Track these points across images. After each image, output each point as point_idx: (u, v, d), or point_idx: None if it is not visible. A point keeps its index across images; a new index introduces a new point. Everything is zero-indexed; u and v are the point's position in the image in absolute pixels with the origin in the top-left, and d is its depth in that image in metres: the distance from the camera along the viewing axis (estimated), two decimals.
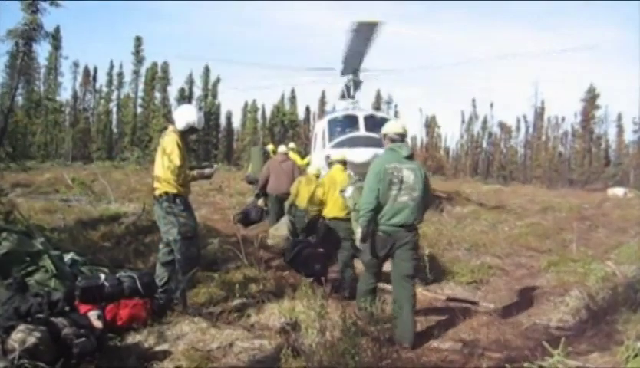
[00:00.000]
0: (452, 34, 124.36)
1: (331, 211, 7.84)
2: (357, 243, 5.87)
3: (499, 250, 10.55)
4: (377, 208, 5.58)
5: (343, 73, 19.17)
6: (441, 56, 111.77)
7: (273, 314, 5.61)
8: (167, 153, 5.68)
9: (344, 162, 8.41)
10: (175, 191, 5.75)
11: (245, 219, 11.49)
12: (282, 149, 12.20)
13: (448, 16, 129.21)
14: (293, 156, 12.46)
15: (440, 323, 6.21)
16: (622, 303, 5.92)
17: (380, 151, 15.44)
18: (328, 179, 8.21)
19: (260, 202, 11.48)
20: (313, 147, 19.25)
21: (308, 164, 14.86)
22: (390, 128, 6.02)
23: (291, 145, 15.38)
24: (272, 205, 11.12)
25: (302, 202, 8.83)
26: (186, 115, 6.04)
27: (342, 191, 7.20)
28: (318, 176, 9.39)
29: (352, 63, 18.29)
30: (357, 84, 19.20)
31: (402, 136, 5.95)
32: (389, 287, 7.42)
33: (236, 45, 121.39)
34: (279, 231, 9.73)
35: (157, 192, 5.80)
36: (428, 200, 5.98)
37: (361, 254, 6.23)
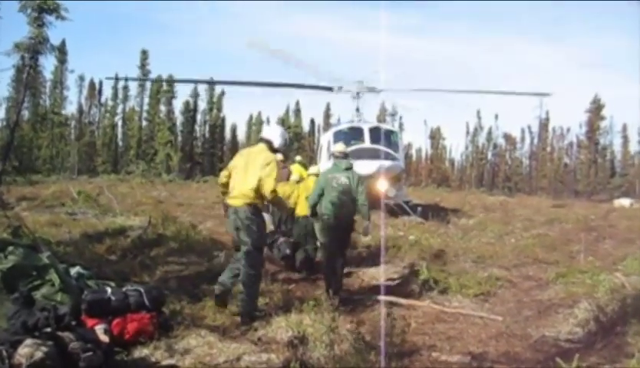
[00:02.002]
0: (452, 45, 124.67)
1: (301, 210, 9.79)
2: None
3: (506, 261, 10.48)
4: (319, 201, 7.82)
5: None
6: (442, 67, 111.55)
7: (281, 328, 5.56)
8: (268, 169, 6.30)
9: (317, 175, 10.00)
10: (258, 203, 6.41)
11: None
12: (277, 157, 12.53)
13: (447, 27, 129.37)
14: (298, 169, 12.51)
15: (448, 336, 6.17)
16: (632, 314, 5.86)
17: (385, 163, 15.51)
18: (303, 185, 10.26)
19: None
20: (319, 159, 19.30)
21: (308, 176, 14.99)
22: (336, 148, 8.41)
23: (298, 158, 15.43)
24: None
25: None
26: (283, 135, 6.90)
27: (307, 197, 8.97)
28: (298, 182, 10.90)
29: None
30: (359, 96, 19.30)
31: (344, 154, 8.29)
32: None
33: (240, 56, 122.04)
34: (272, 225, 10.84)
35: (240, 202, 6.31)
36: (362, 197, 7.75)
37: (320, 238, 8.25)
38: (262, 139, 6.77)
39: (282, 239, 9.97)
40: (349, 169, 7.96)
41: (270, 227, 10.55)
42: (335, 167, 8.08)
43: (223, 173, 6.76)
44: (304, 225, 9.64)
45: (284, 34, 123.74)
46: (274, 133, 6.82)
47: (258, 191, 6.27)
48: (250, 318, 6.03)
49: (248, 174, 6.35)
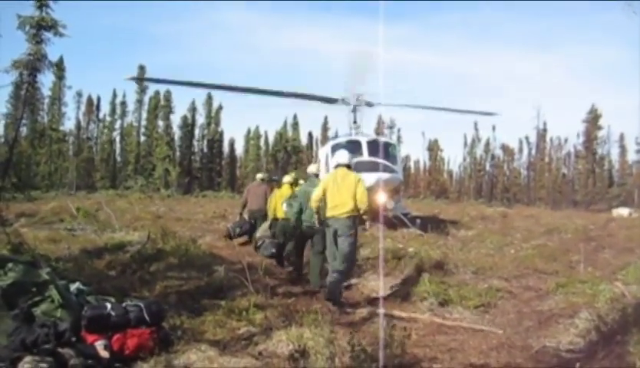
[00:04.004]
0: (449, 56, 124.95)
1: (278, 213, 11.63)
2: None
3: (506, 272, 10.45)
4: (301, 211, 9.61)
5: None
6: (439, 79, 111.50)
7: (281, 341, 5.55)
8: (361, 185, 8.09)
9: (291, 183, 12.18)
10: (355, 214, 8.04)
11: (239, 232, 14.88)
12: (259, 176, 15.73)
13: (444, 39, 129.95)
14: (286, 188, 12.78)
15: (449, 347, 6.15)
16: (633, 324, 5.85)
17: (383, 175, 15.49)
18: (279, 193, 12.10)
19: (245, 215, 15.00)
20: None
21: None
22: (310, 170, 10.96)
23: (286, 179, 15.77)
24: (248, 218, 14.61)
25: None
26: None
27: (282, 203, 11.26)
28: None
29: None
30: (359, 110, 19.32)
31: (316, 175, 10.56)
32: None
33: (238, 71, 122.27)
34: (263, 231, 12.62)
35: (347, 214, 7.99)
36: None
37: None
38: (339, 165, 8.46)
39: (267, 240, 11.94)
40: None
41: (263, 232, 12.55)
42: (312, 183, 9.85)
43: (319, 194, 8.36)
44: (282, 225, 11.10)
45: (276, 47, 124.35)
46: (348, 157, 8.62)
47: (355, 204, 7.96)
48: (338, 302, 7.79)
49: (343, 192, 8.04)
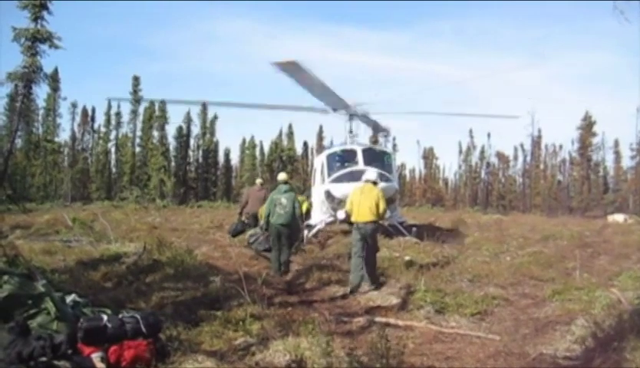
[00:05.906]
0: (438, 64, 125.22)
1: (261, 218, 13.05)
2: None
3: (502, 280, 10.47)
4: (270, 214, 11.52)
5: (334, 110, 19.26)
6: (430, 87, 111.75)
7: (278, 352, 5.54)
8: (382, 200, 10.01)
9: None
10: (377, 220, 10.10)
11: (235, 231, 16.25)
12: (258, 181, 17.66)
13: (433, 46, 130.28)
14: None
15: (446, 356, 6.15)
16: (629, 330, 5.86)
17: (379, 184, 15.50)
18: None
19: (243, 217, 16.38)
20: (313, 182, 19.27)
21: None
22: (279, 178, 12.20)
23: (258, 180, 18.07)
24: (248, 220, 15.85)
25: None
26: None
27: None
28: None
29: (331, 100, 18.37)
30: (353, 118, 19.28)
31: (285, 182, 11.96)
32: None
33: (232, 80, 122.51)
34: (255, 230, 14.24)
35: (373, 219, 9.94)
36: (298, 212, 11.74)
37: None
38: (367, 180, 10.43)
39: (261, 237, 13.31)
40: (287, 191, 11.64)
41: (257, 230, 13.90)
42: (278, 190, 11.68)
43: (348, 207, 10.36)
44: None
45: (271, 55, 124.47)
46: (375, 176, 10.77)
47: (377, 212, 9.92)
48: (376, 284, 9.74)
49: (367, 203, 9.90)
